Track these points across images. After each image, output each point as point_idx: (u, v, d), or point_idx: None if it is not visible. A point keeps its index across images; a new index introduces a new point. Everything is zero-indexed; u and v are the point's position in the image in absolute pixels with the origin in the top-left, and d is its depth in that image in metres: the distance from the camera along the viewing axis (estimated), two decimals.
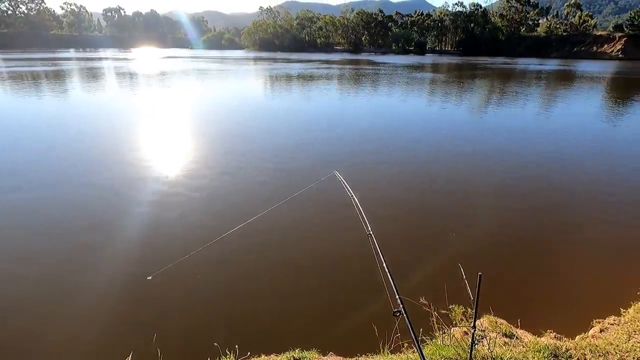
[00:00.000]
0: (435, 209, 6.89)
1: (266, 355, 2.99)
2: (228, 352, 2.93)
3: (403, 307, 2.12)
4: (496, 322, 3.50)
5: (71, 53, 76.97)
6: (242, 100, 20.29)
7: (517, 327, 3.41)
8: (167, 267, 4.19)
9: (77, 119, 14.39)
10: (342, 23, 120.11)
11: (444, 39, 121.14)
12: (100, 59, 57.72)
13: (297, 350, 2.96)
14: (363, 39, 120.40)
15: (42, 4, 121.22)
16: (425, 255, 5.30)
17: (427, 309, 3.35)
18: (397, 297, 2.21)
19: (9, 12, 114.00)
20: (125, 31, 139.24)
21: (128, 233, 5.69)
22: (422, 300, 3.36)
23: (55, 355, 3.55)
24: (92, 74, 32.44)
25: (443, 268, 4.93)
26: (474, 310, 2.38)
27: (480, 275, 2.29)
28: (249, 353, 2.99)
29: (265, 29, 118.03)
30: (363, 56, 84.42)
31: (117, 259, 5.02)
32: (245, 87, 26.56)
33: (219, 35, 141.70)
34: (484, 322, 3.48)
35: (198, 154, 9.96)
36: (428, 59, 78.91)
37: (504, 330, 3.30)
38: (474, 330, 2.36)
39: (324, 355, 3.02)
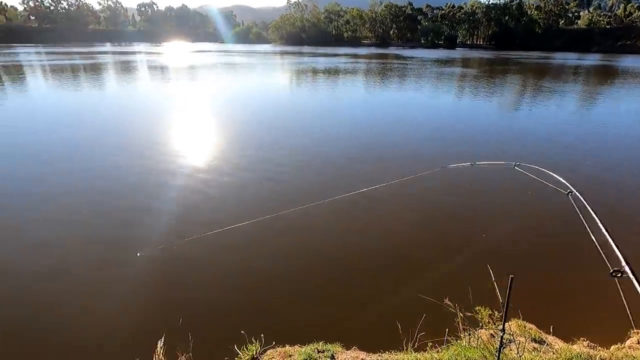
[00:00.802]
0: (459, 212, 6.73)
1: (290, 346, 3.05)
2: (254, 341, 3.01)
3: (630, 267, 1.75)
4: (525, 327, 3.40)
5: (107, 47, 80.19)
6: (265, 94, 20.49)
7: (548, 333, 3.30)
8: (202, 235, 4.38)
9: (112, 110, 15.05)
10: (370, 16, 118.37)
11: (475, 32, 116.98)
12: (133, 52, 59.80)
13: (320, 343, 3.00)
14: (391, 32, 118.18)
15: (81, 0, 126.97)
16: (450, 255, 5.21)
17: (452, 310, 3.31)
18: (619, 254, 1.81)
19: (52, 7, 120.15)
20: (158, 26, 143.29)
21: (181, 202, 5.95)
22: (446, 300, 3.31)
23: (87, 330, 3.76)
24: (126, 68, 33.68)
25: (469, 268, 4.84)
26: (503, 313, 2.33)
27: (511, 277, 2.23)
28: (273, 342, 3.06)
29: (293, 23, 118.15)
30: (390, 50, 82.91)
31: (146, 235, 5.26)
32: (270, 81, 26.76)
33: (247, 30, 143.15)
34: (512, 325, 3.39)
35: (226, 148, 10.19)
36: (458, 53, 76.55)
37: (533, 336, 3.21)
38: (503, 334, 2.31)
39: (347, 349, 3.04)
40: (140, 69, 33.60)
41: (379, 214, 6.37)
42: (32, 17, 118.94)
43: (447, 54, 68.46)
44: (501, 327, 2.40)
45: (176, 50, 70.49)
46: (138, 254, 4.88)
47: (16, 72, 27.95)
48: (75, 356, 3.50)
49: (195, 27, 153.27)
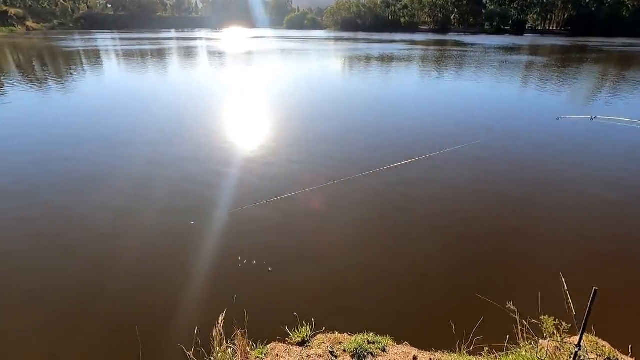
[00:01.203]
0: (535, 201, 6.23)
1: (340, 333, 3.06)
2: (304, 324, 3.07)
3: None
4: (597, 344, 3.10)
5: (172, 33, 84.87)
6: (318, 80, 20.44)
7: (625, 354, 2.98)
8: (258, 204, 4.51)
9: (173, 94, 16.02)
10: (430, 0, 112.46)
11: (548, 16, 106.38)
12: (194, 38, 62.70)
13: (371, 334, 2.98)
14: (452, 17, 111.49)
15: None
16: (519, 259, 4.86)
17: (513, 315, 3.10)
18: None
19: None
20: (218, 12, 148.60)
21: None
22: (509, 305, 3.11)
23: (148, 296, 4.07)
24: (187, 53, 35.46)
25: (539, 274, 4.49)
26: (580, 327, 2.12)
27: (595, 290, 2.02)
28: (324, 328, 3.09)
29: (348, 8, 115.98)
30: (450, 36, 78.42)
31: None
32: (323, 67, 26.63)
33: (302, 16, 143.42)
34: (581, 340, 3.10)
35: (278, 133, 10.39)
36: (526, 39, 70.32)
37: (607, 354, 2.91)
38: (578, 349, 2.10)
39: (398, 344, 2.99)
40: (200, 54, 35.21)
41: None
42: (109, 6, 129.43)
43: (514, 41, 63.18)
44: (576, 342, 2.20)
45: (234, 36, 72.80)
46: (192, 222, 5.26)
47: (94, 57, 30.69)
48: (129, 319, 3.79)
49: (252, 13, 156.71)
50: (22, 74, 21.46)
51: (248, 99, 14.86)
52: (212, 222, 5.45)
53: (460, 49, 43.33)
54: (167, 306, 3.83)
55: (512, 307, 3.10)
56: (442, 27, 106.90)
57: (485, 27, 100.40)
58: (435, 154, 8.26)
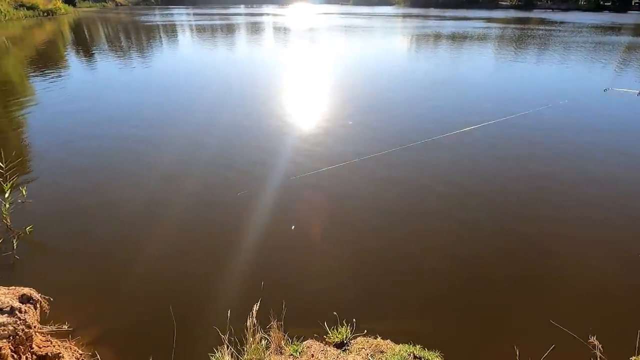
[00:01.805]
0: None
1: (382, 339, 2.80)
2: (345, 324, 2.85)
3: None
4: None
5: (241, 9, 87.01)
6: (380, 58, 19.46)
7: None
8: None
9: (237, 69, 16.36)
10: None
11: None
12: (261, 14, 63.56)
13: (417, 347, 2.67)
14: None
15: None
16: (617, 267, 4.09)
17: (593, 350, 2.58)
18: None
19: None
20: None
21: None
22: (592, 339, 2.59)
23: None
24: (254, 28, 36.03)
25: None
26: None
27: None
28: (365, 331, 2.86)
29: None
30: (535, 14, 70.11)
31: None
32: (387, 45, 25.32)
33: None
34: None
35: (334, 111, 10.09)
36: (631, 17, 60.20)
37: None
38: None
39: None
40: (265, 30, 35.58)
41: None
42: None
43: (614, 19, 54.56)
44: None
45: (300, 12, 72.46)
46: (238, 194, 5.32)
47: (170, 31, 32.55)
48: (163, 290, 3.87)
49: None
50: (111, 45, 23.54)
51: (309, 76, 14.69)
52: (267, 191, 5.49)
53: (545, 27, 38.49)
54: (204, 283, 3.83)
55: (595, 342, 2.58)
56: (527, 2, 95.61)
57: (580, 2, 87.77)
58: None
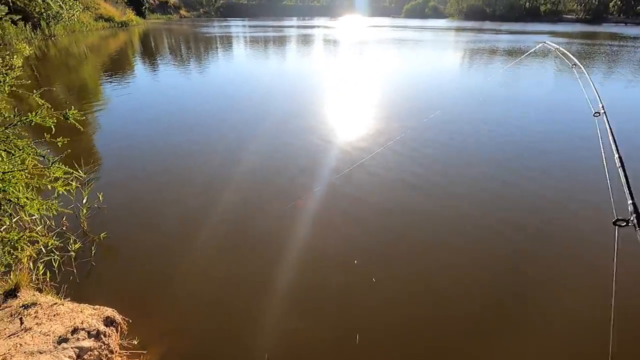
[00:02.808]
0: None
1: None
2: None
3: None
4: None
5: (293, 21, 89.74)
6: (431, 74, 18.97)
7: None
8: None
9: (286, 81, 16.77)
10: None
11: None
12: (312, 27, 65.04)
13: None
14: (610, 4, 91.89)
15: None
16: None
17: None
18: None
19: None
20: (338, 0, 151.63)
21: None
22: None
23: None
24: (306, 40, 36.88)
25: None
26: None
27: None
28: None
29: None
30: (605, 27, 65.01)
31: None
32: (438, 60, 24.67)
33: (424, 4, 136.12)
34: None
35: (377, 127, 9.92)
36: None
37: None
38: None
39: None
40: (315, 42, 36.29)
41: None
42: None
43: None
44: None
45: (351, 25, 73.22)
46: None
47: (226, 42, 34.28)
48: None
49: (370, 1, 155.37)
50: (172, 54, 25.28)
51: (356, 88, 14.66)
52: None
53: (617, 43, 35.43)
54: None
55: None
56: (595, 15, 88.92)
57: None
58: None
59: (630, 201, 1.53)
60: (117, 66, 20.05)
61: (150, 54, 25.69)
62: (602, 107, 2.12)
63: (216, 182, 6.66)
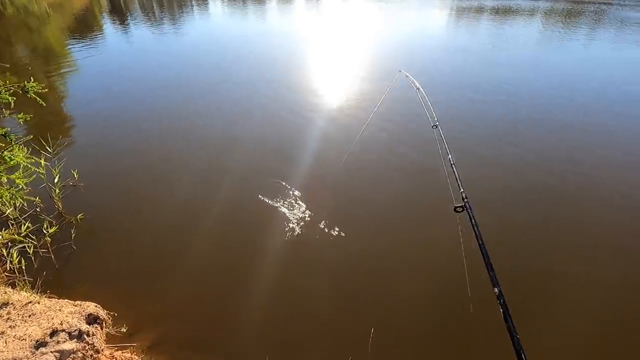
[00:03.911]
0: None
1: None
2: None
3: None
4: None
5: None
6: (413, 35, 18.25)
7: None
8: None
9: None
10: None
11: None
12: None
13: None
14: None
15: None
16: None
17: None
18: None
19: None
20: None
21: None
22: None
23: None
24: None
25: None
26: None
27: None
28: None
29: None
30: None
31: None
32: (424, 20, 23.67)
33: None
34: None
35: None
36: None
37: None
38: None
39: None
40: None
41: None
42: None
43: None
44: None
45: None
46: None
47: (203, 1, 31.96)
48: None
49: None
50: (144, 13, 23.45)
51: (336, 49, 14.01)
52: None
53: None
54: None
55: None
56: None
57: None
58: None
59: (461, 190, 2.04)
60: (84, 27, 18.47)
61: (119, 13, 23.76)
62: (437, 121, 2.72)
63: (200, 154, 6.29)
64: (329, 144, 6.65)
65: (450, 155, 2.37)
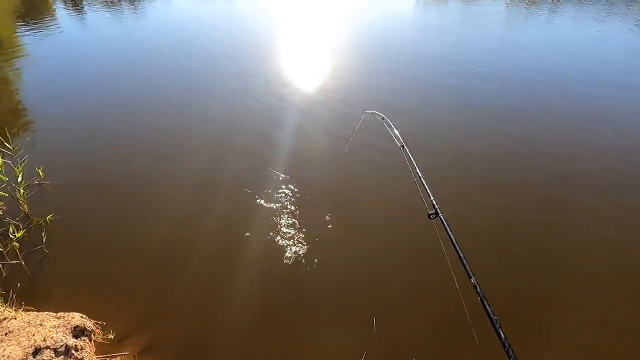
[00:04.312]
0: None
1: None
2: None
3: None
4: None
5: None
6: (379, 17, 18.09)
7: None
8: None
9: None
10: None
11: None
12: None
13: None
14: None
15: None
16: None
17: None
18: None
19: None
20: None
21: None
22: None
23: None
24: None
25: None
26: None
27: None
28: None
29: None
30: None
31: None
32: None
33: None
34: None
35: None
36: None
37: None
38: None
39: None
40: None
41: None
42: None
43: None
44: None
45: None
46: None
47: None
48: None
49: None
50: None
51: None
52: None
53: None
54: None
55: None
56: None
57: None
58: None
59: (431, 198, 2.22)
60: (34, 11, 16.96)
61: None
62: (403, 142, 3.00)
63: (169, 144, 5.93)
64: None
65: (418, 171, 2.57)
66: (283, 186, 4.88)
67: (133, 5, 18.50)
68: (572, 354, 3.03)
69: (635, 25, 15.67)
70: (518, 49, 12.04)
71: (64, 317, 2.12)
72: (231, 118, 6.92)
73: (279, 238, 4.04)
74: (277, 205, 4.54)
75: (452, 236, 1.86)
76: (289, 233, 4.10)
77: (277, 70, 9.68)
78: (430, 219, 2.10)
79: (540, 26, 15.79)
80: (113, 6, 18.00)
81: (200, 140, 6.10)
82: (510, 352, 1.31)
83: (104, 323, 2.37)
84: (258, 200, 4.62)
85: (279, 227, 4.19)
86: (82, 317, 2.18)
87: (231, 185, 4.93)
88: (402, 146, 3.01)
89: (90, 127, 6.40)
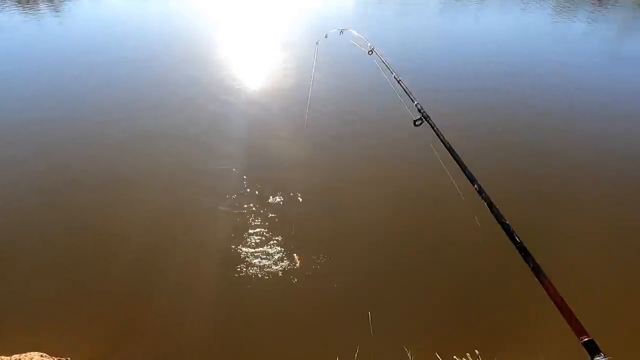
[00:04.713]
0: None
1: None
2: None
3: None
4: None
5: None
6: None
7: None
8: None
9: None
10: None
11: None
12: None
13: None
14: None
15: None
16: None
17: None
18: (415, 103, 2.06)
19: None
20: None
21: None
22: None
23: None
24: None
25: None
26: None
27: None
28: None
29: None
30: None
31: None
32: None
33: None
34: None
35: None
36: None
37: None
38: None
39: None
40: None
41: None
42: None
43: None
44: None
45: None
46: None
47: None
48: None
49: None
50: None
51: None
52: None
53: None
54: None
55: None
56: None
57: None
58: None
59: (415, 102, 1.99)
60: None
61: None
62: (373, 48, 2.74)
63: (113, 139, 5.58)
64: None
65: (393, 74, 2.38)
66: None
67: (53, 4, 16.63)
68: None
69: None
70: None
71: (22, 358, 1.83)
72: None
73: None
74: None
75: (443, 139, 1.65)
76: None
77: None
78: (416, 125, 1.88)
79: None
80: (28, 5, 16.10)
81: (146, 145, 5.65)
82: (530, 261, 1.13)
83: (68, 358, 2.08)
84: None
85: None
86: (41, 356, 1.88)
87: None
88: (371, 51, 2.75)
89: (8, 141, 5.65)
